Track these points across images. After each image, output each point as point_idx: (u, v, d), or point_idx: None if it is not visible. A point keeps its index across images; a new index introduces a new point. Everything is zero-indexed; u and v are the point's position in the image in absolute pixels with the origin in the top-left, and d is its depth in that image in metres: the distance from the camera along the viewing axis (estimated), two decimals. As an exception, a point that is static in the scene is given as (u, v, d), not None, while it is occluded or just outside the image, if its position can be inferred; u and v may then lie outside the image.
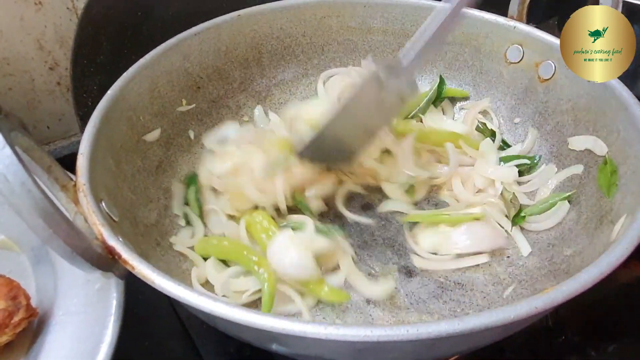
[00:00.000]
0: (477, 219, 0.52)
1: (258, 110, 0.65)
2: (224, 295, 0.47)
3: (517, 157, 0.58)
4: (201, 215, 0.54)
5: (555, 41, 0.55)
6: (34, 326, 0.43)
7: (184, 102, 0.60)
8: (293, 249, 0.46)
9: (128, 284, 0.44)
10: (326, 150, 0.51)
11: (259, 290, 0.47)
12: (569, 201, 0.52)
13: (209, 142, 0.59)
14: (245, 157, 0.55)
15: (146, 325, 0.54)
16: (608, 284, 0.55)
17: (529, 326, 0.40)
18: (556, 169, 0.56)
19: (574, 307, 0.54)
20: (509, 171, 0.56)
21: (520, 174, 0.57)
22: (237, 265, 0.49)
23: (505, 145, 0.61)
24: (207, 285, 0.49)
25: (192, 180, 0.56)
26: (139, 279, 0.35)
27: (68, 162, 0.43)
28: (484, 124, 0.62)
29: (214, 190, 0.56)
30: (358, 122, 0.50)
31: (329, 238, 0.49)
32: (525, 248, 0.51)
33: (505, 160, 0.58)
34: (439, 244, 0.51)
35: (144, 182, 0.53)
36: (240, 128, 0.61)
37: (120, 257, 0.35)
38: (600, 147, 0.50)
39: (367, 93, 0.48)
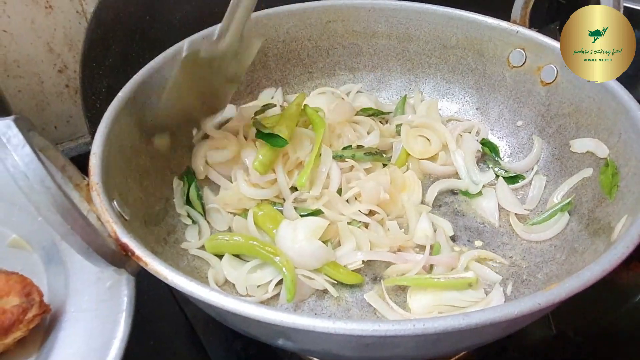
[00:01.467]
0: (470, 284, 0.47)
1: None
2: (248, 295, 0.48)
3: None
4: (204, 214, 0.55)
5: (557, 45, 0.56)
6: (47, 323, 0.44)
7: None
8: (301, 240, 0.48)
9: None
10: (176, 116, 0.54)
11: (281, 281, 0.48)
12: (568, 211, 0.53)
13: (208, 127, 0.60)
14: (239, 148, 0.57)
15: (152, 325, 0.55)
16: (610, 285, 0.56)
17: (532, 325, 0.41)
18: (545, 179, 0.57)
19: (576, 308, 0.55)
20: (515, 202, 0.57)
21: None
22: (251, 259, 0.50)
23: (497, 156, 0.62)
24: (224, 287, 0.50)
25: (190, 178, 0.57)
26: (145, 280, 0.36)
27: (76, 164, 0.44)
28: (487, 141, 0.63)
29: (209, 183, 0.58)
30: (197, 90, 0.53)
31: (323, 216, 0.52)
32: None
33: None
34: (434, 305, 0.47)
35: (153, 183, 0.54)
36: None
37: (133, 253, 0.35)
38: (602, 150, 0.51)
39: (190, 70, 0.50)
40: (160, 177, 0.55)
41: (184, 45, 0.51)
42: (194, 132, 0.61)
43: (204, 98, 0.56)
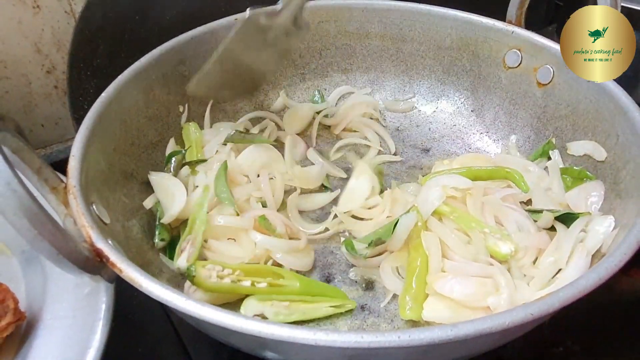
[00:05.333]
0: None
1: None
2: None
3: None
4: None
5: (554, 46, 0.55)
6: (22, 330, 0.42)
7: (181, 108, 0.59)
8: None
9: (122, 288, 0.43)
10: (217, 84, 0.53)
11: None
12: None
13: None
14: None
15: (140, 331, 0.53)
16: (608, 292, 0.54)
17: (528, 334, 0.39)
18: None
19: (573, 316, 0.53)
20: None
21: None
22: None
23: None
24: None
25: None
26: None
27: (64, 166, 0.42)
28: None
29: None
30: (245, 60, 0.53)
31: None
32: None
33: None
34: None
35: (137, 186, 0.52)
36: None
37: (108, 259, 0.34)
38: (599, 152, 0.50)
39: (246, 34, 0.51)
40: (146, 180, 0.54)
41: (246, 13, 0.51)
42: (182, 117, 0.59)
43: (247, 72, 0.56)
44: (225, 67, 0.52)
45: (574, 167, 0.53)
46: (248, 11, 0.50)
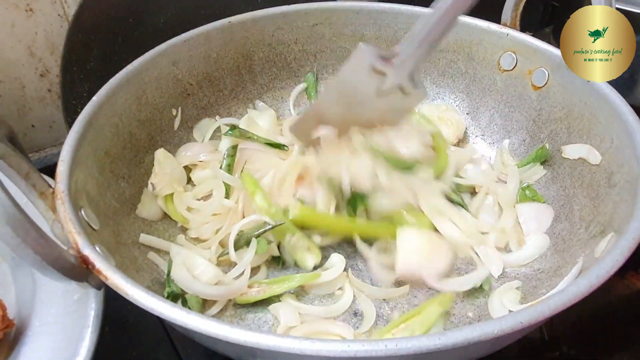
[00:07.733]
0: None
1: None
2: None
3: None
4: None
5: (548, 48, 0.55)
6: (11, 336, 0.42)
7: (174, 111, 0.59)
8: None
9: (115, 293, 0.43)
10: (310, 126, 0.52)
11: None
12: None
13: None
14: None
15: (134, 335, 0.53)
16: (604, 296, 0.54)
17: (523, 339, 0.39)
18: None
19: (569, 320, 0.53)
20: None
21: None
22: None
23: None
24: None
25: None
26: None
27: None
28: None
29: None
30: (353, 107, 0.50)
31: None
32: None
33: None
34: None
35: (129, 190, 0.52)
36: None
37: (94, 267, 0.34)
38: (594, 156, 0.49)
39: (360, 76, 0.47)
40: (137, 185, 0.53)
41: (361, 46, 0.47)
42: (175, 120, 0.59)
43: (351, 120, 0.51)
44: (338, 104, 0.49)
45: (533, 187, 0.56)
46: (361, 45, 0.47)
